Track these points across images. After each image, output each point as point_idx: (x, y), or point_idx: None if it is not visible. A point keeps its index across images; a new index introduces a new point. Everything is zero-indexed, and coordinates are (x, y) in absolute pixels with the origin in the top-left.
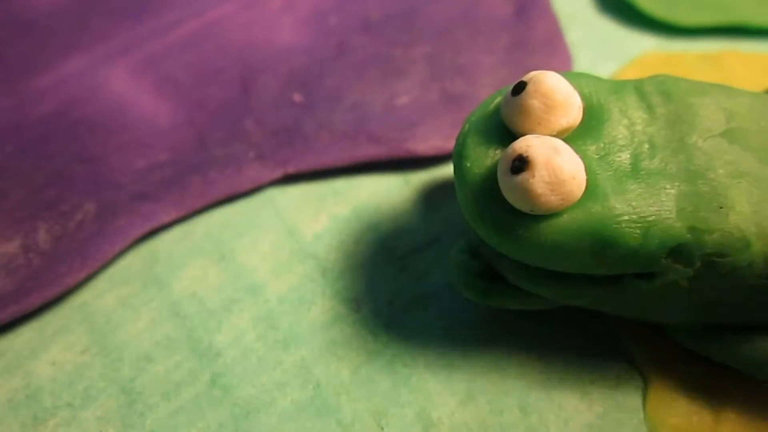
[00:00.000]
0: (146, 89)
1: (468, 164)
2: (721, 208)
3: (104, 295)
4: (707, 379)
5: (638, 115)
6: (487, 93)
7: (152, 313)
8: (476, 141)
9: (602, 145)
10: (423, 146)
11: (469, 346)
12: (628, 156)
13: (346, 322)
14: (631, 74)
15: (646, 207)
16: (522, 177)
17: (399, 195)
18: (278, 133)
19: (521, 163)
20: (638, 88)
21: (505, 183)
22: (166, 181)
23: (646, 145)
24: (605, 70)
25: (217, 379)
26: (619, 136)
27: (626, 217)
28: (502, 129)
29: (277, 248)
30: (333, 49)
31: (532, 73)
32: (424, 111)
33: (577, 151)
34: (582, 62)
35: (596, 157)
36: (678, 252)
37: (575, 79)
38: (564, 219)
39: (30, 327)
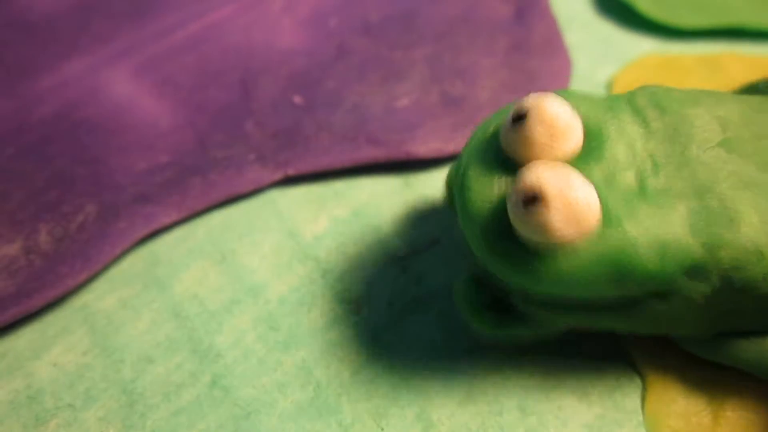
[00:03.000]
0: (147, 91)
1: (472, 197)
2: (731, 221)
3: (105, 296)
4: (706, 380)
5: (635, 131)
6: (486, 95)
7: (153, 314)
8: (478, 172)
9: (606, 166)
10: (423, 148)
11: (469, 347)
12: (633, 175)
13: (346, 324)
14: (630, 76)
15: (660, 229)
16: (536, 211)
17: (399, 197)
18: (278, 135)
19: (534, 197)
20: (631, 102)
21: (517, 217)
22: (166, 183)
23: (649, 163)
24: (604, 72)
25: (217, 380)
26: (621, 156)
27: (642, 242)
28: (503, 157)
29: (278, 250)
30: (333, 52)
31: (531, 99)
32: (424, 113)
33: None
34: (581, 64)
35: (602, 180)
36: (695, 270)
37: (570, 98)
38: (580, 249)
39: (31, 328)
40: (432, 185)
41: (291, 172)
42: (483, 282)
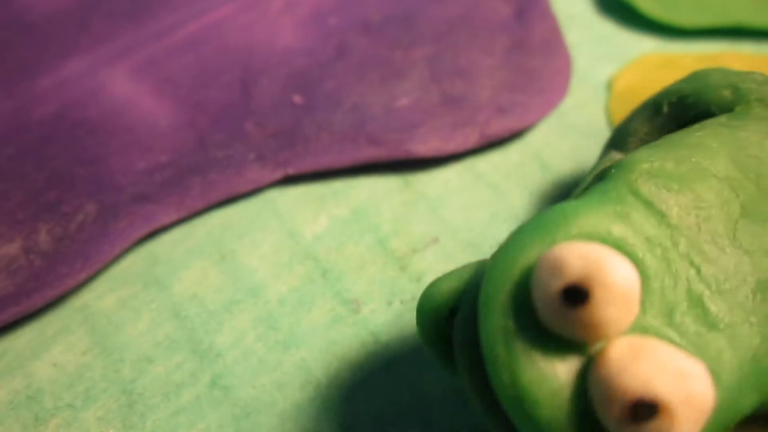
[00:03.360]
0: (147, 91)
1: (540, 411)
2: None
3: (105, 296)
4: None
5: (661, 235)
6: (486, 95)
7: (153, 314)
8: (534, 372)
9: (663, 303)
10: (422, 147)
11: None
12: (687, 301)
13: (346, 323)
14: (630, 75)
15: (747, 361)
16: (658, 427)
17: (399, 196)
18: (278, 135)
19: (649, 410)
20: (637, 193)
21: None
22: (166, 183)
23: (693, 272)
24: (604, 71)
25: (217, 379)
26: (667, 279)
27: (744, 388)
28: (550, 333)
29: (278, 249)
30: (333, 51)
31: (582, 266)
32: (424, 112)
33: (662, 337)
34: (581, 64)
35: (664, 323)
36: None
37: (589, 225)
38: None
39: (31, 328)
40: (432, 185)
41: (291, 171)
42: None
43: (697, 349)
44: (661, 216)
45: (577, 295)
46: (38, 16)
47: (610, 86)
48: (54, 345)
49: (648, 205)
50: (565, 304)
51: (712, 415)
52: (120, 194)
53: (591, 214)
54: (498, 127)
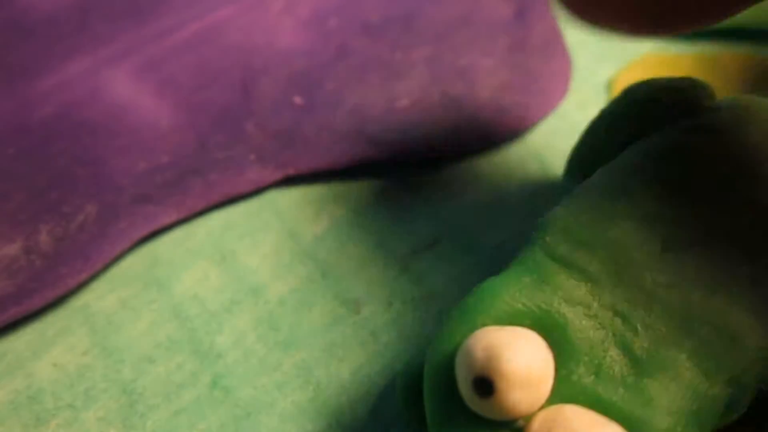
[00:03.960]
0: (147, 92)
1: None
2: (734, 340)
3: (105, 296)
4: None
5: (582, 292)
6: (486, 95)
7: (153, 314)
8: None
9: (586, 359)
10: (423, 148)
11: None
12: (614, 349)
13: (346, 324)
14: (630, 76)
15: (682, 397)
16: None
17: (399, 197)
18: (279, 136)
19: None
20: (550, 253)
21: None
22: (167, 184)
23: (618, 321)
24: (604, 71)
25: (218, 380)
26: (591, 333)
27: (678, 425)
28: (476, 417)
29: (278, 250)
30: (333, 52)
31: (484, 357)
32: (424, 113)
33: (584, 400)
34: (581, 64)
35: (593, 379)
36: (731, 405)
37: (503, 310)
38: None
39: (31, 328)
40: (432, 186)
41: (291, 172)
42: None
43: (628, 399)
44: (580, 272)
45: (484, 386)
46: (39, 17)
47: (610, 86)
48: (55, 345)
49: (566, 265)
50: (477, 394)
51: None
52: (120, 195)
53: (508, 291)
54: (498, 127)
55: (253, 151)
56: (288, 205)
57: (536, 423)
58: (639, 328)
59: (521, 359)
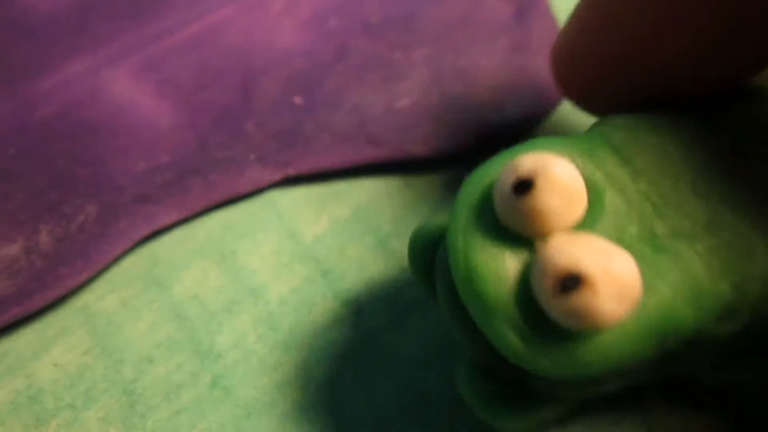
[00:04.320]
0: (147, 92)
1: (485, 284)
2: (750, 253)
3: (105, 296)
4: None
5: (623, 173)
6: (486, 95)
7: (153, 314)
8: (484, 256)
9: (612, 222)
10: (423, 148)
11: None
12: (638, 225)
13: (346, 324)
14: None
15: (687, 280)
16: (582, 298)
17: (399, 197)
18: (279, 136)
19: (574, 282)
20: (608, 140)
21: (556, 309)
22: (167, 184)
23: (648, 206)
24: None
25: (218, 380)
26: (621, 206)
27: (678, 299)
28: (506, 230)
29: (278, 250)
30: (333, 52)
31: (532, 163)
32: (424, 113)
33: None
34: None
35: (615, 239)
36: (727, 312)
37: (553, 149)
38: (626, 325)
39: (32, 328)
40: (433, 186)
41: (291, 172)
42: (489, 369)
43: (640, 266)
44: (626, 161)
45: (524, 186)
46: (39, 16)
47: None
48: (55, 345)
49: (616, 150)
50: (514, 194)
51: (647, 315)
52: (121, 195)
53: (557, 145)
54: (498, 127)
55: (253, 151)
56: (288, 205)
57: (556, 237)
58: (665, 217)
59: (567, 170)
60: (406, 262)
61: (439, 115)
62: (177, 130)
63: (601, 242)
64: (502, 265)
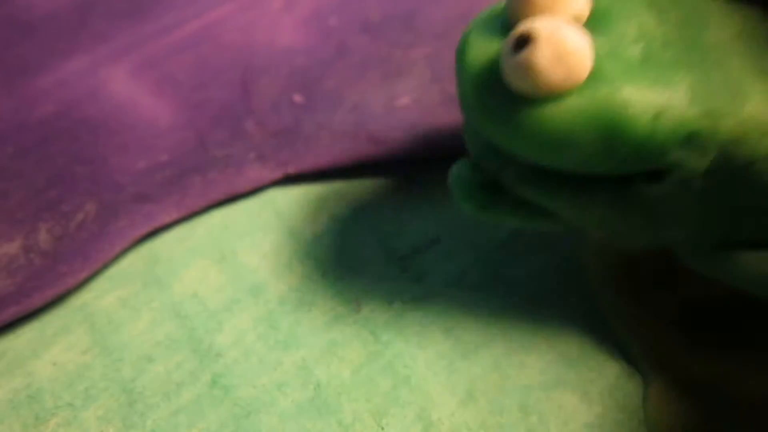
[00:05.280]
0: (147, 90)
1: (469, 56)
2: (736, 94)
3: (105, 295)
4: (707, 379)
5: (649, 15)
6: None
7: (153, 313)
8: (478, 35)
9: (611, 40)
10: (423, 146)
11: (469, 347)
12: (639, 49)
13: (346, 323)
14: None
15: (657, 93)
16: (525, 52)
17: (399, 196)
18: (279, 134)
19: (524, 40)
20: None
21: (507, 64)
22: (166, 182)
23: (658, 41)
24: None
25: (217, 379)
26: (629, 33)
27: (635, 102)
28: (506, 24)
29: (278, 249)
30: (333, 50)
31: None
32: (424, 112)
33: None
34: None
35: (606, 50)
36: (691, 140)
37: None
38: (568, 102)
39: (31, 327)
40: (433, 184)
41: (291, 170)
42: (478, 165)
43: (609, 63)
44: (659, 10)
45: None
46: (39, 15)
47: None
48: (54, 344)
49: (652, 1)
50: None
51: (593, 99)
52: (120, 193)
53: None
54: None
55: (252, 149)
56: (288, 203)
57: (529, 20)
58: (669, 51)
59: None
60: (406, 261)
61: (439, 113)
62: (176, 128)
63: (565, 22)
64: (486, 41)
